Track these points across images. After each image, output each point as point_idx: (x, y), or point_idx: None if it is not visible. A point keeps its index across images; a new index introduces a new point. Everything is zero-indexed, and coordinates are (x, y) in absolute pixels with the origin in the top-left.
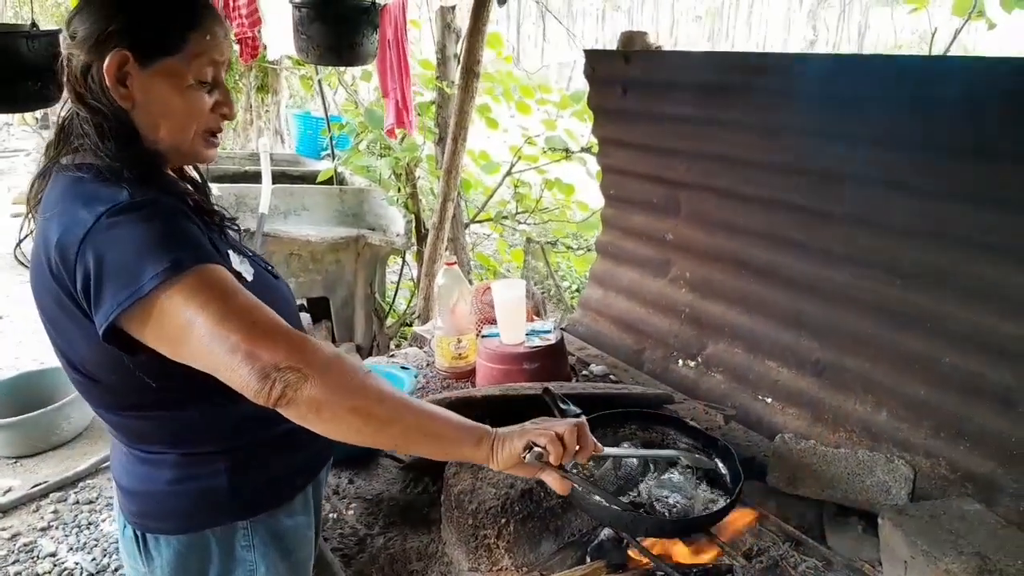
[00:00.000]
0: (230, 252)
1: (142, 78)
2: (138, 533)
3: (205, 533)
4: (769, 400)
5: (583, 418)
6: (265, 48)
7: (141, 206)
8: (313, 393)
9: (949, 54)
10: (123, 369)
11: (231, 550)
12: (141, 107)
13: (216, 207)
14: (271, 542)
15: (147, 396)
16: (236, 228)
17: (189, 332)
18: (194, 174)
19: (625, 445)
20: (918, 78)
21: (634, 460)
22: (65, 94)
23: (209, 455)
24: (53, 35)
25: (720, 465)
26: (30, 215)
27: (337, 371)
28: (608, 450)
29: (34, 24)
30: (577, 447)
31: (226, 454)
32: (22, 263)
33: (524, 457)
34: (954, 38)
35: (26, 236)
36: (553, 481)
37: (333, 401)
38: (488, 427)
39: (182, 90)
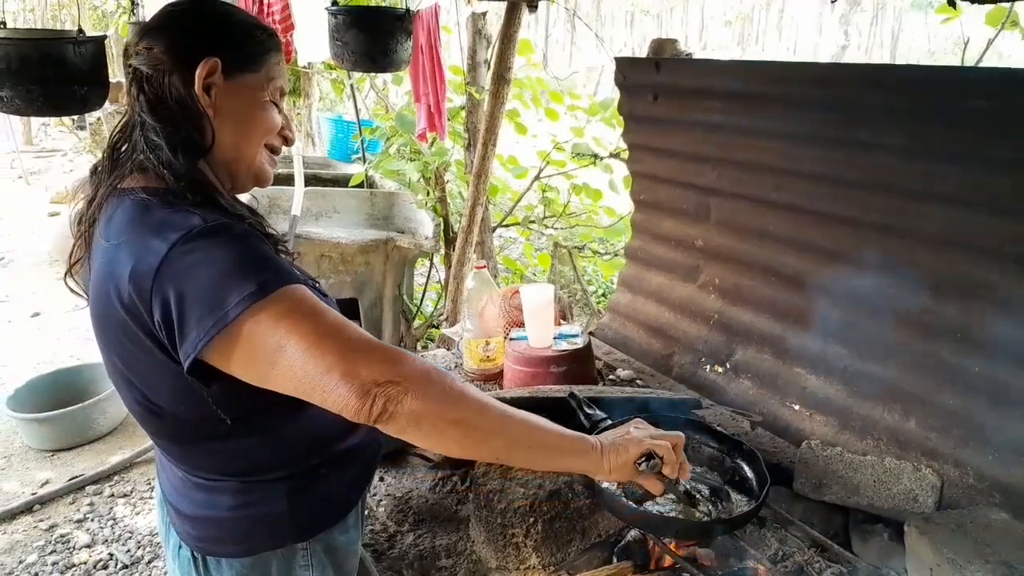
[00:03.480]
0: None
1: (225, 88)
2: (197, 556)
3: (266, 555)
4: (796, 407)
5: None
6: (296, 53)
7: (216, 231)
8: (414, 407)
9: (982, 64)
10: (192, 400)
11: (291, 570)
12: (222, 115)
13: (271, 231)
14: (327, 559)
15: (212, 427)
16: (288, 252)
17: (279, 356)
18: (244, 199)
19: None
20: (948, 88)
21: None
22: (109, 104)
23: (269, 481)
24: (99, 41)
25: (746, 469)
26: (82, 239)
27: (437, 383)
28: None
29: (80, 30)
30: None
31: (286, 479)
32: (74, 291)
33: (640, 466)
34: (987, 47)
35: (77, 261)
36: (654, 486)
37: (434, 414)
38: (589, 436)
39: (260, 103)
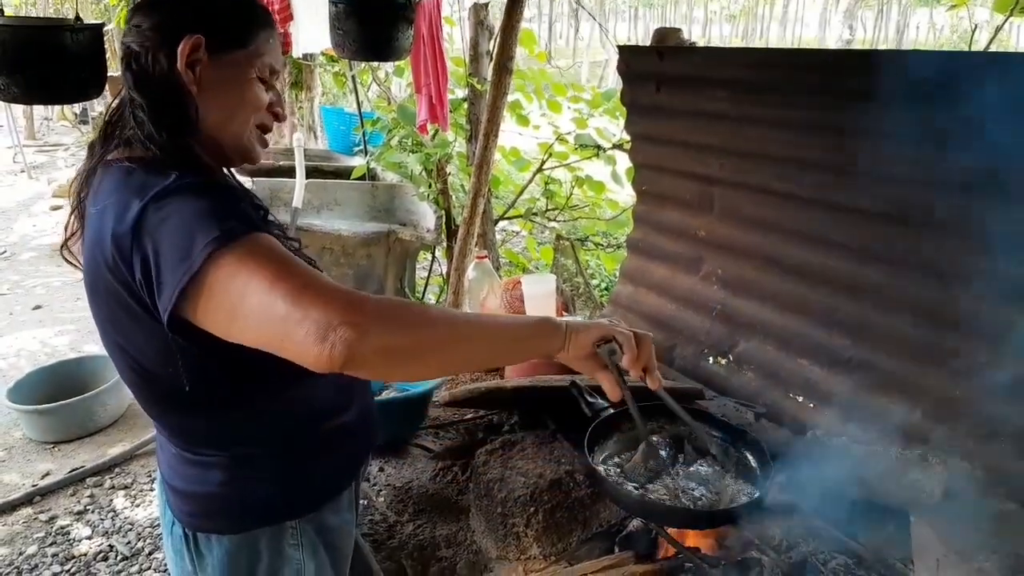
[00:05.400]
0: None
1: (210, 66)
2: (188, 532)
3: (255, 533)
4: (800, 398)
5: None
6: (293, 44)
7: (187, 186)
8: (376, 343)
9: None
10: (177, 362)
11: (280, 549)
12: (206, 93)
13: (258, 203)
14: (318, 540)
15: (199, 394)
16: (287, 238)
17: (242, 303)
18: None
19: (654, 439)
20: (954, 75)
21: (663, 453)
22: (107, 91)
23: (258, 457)
24: (96, 28)
25: (750, 458)
26: (75, 212)
27: (393, 313)
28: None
29: (78, 18)
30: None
31: (275, 456)
32: (69, 262)
33: (597, 348)
34: (994, 35)
35: (73, 234)
36: (610, 385)
37: (399, 345)
38: (556, 318)
39: (246, 81)
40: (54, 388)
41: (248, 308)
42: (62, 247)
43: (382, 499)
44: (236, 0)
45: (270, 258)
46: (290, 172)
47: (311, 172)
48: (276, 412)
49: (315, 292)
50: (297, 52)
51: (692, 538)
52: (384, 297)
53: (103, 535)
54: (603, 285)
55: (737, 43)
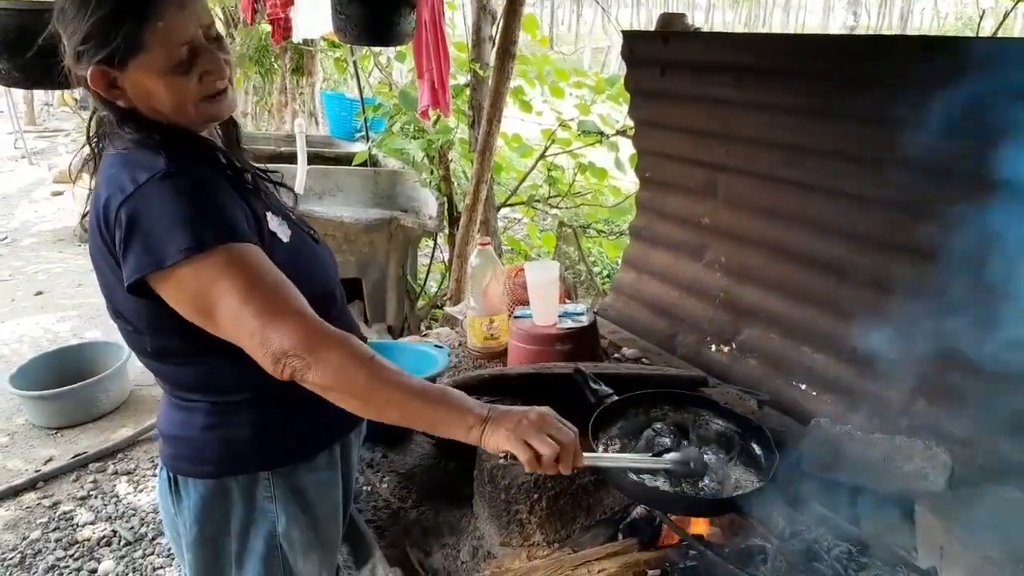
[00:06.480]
0: (268, 213)
1: (126, 77)
2: (171, 475)
3: (228, 480)
4: (804, 387)
5: (575, 434)
6: (294, 29)
7: (177, 176)
8: (316, 380)
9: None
10: (154, 319)
11: (253, 500)
12: (137, 101)
13: (249, 165)
14: (292, 496)
15: (181, 344)
16: (270, 180)
17: (213, 311)
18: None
19: (657, 426)
20: (963, 61)
21: (666, 440)
22: None
23: (237, 404)
24: None
25: (754, 445)
26: (92, 193)
27: (339, 361)
28: (588, 458)
29: None
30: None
31: (253, 405)
32: (85, 229)
33: (502, 460)
34: (1002, 20)
35: (88, 212)
36: None
37: (334, 387)
38: (483, 414)
39: (163, 79)
40: (57, 374)
41: (219, 318)
42: (80, 219)
43: (386, 485)
44: (109, 13)
45: (240, 273)
46: (291, 158)
47: (312, 158)
48: (247, 365)
49: (279, 320)
50: (297, 37)
51: (696, 525)
52: (338, 338)
53: (106, 520)
54: (605, 272)
55: (740, 30)
